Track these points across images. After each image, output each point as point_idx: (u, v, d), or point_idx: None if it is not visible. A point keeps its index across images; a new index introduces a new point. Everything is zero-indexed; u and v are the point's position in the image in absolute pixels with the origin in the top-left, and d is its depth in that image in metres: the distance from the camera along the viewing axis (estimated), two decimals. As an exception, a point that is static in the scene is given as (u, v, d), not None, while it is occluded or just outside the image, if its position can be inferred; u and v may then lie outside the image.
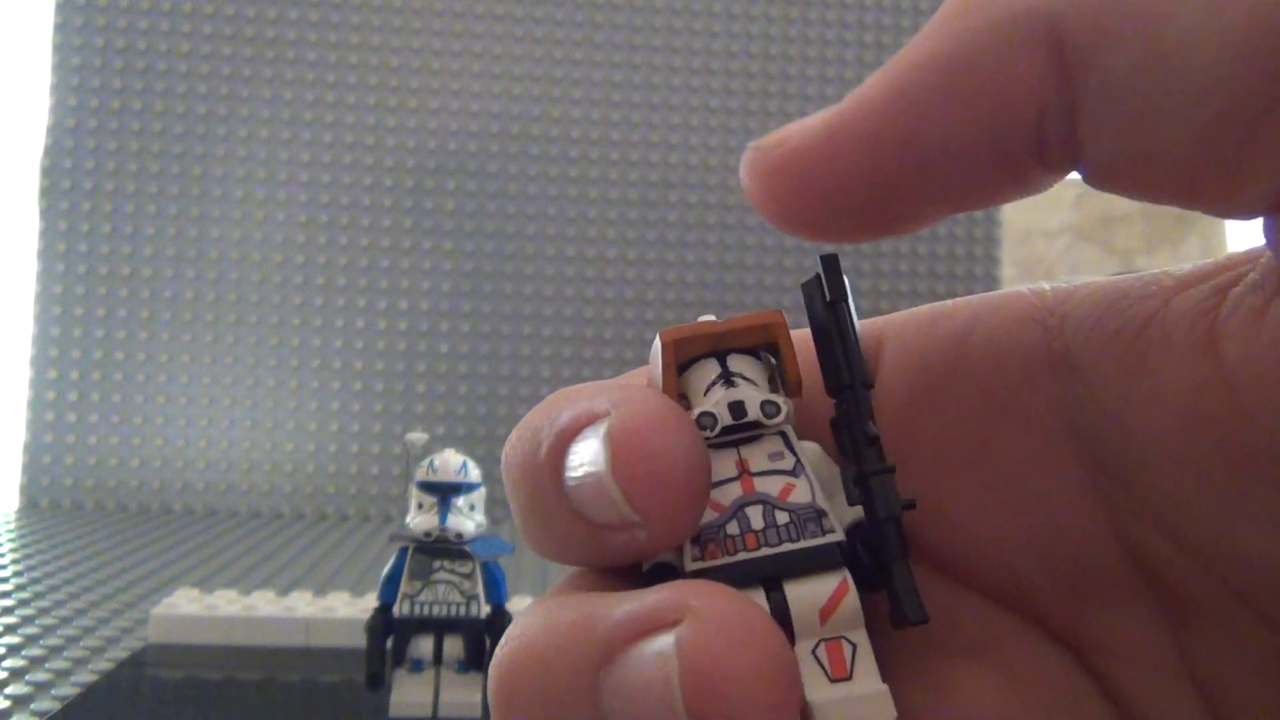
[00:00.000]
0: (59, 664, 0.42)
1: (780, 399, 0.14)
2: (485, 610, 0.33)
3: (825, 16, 0.97)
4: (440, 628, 0.33)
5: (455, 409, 0.89)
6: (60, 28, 0.87)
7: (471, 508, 0.33)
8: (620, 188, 0.93)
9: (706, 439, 0.14)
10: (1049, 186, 0.14)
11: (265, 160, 0.89)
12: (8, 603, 0.51)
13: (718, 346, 0.15)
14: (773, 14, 0.96)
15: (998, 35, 0.12)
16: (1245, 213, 0.12)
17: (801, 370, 0.15)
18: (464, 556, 0.33)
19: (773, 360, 0.15)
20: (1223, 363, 0.12)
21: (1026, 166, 0.13)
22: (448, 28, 0.92)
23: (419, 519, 0.33)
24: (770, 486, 0.14)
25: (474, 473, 0.34)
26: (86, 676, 0.40)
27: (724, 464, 0.14)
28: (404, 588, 0.33)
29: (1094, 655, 0.14)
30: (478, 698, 0.33)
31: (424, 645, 0.33)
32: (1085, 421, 0.14)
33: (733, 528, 0.14)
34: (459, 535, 0.33)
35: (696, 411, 0.14)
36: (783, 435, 0.14)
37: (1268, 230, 0.12)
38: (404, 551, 0.33)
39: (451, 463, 0.33)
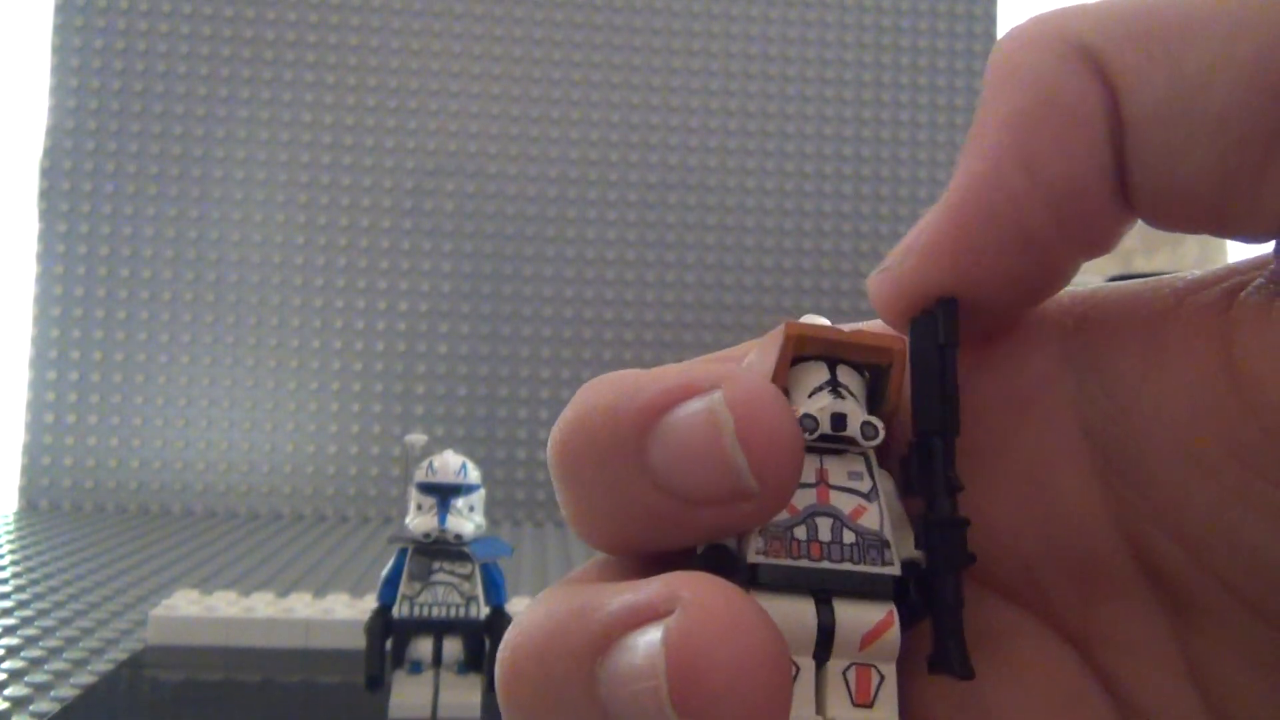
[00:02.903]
0: (58, 665, 0.42)
1: (879, 423, 0.14)
2: (484, 612, 0.33)
3: (825, 18, 0.97)
4: (439, 629, 0.33)
5: (455, 409, 0.89)
6: (60, 28, 0.87)
7: (471, 509, 0.33)
8: (620, 189, 0.93)
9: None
10: (1133, 226, 0.14)
11: (265, 160, 0.89)
12: (7, 604, 0.51)
13: (832, 353, 0.15)
14: (772, 15, 0.96)
15: (1062, 71, 0.13)
16: (1267, 237, 0.13)
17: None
18: (463, 558, 0.33)
19: (868, 377, 0.15)
20: (1230, 359, 0.13)
21: (1121, 199, 0.13)
22: (448, 28, 0.92)
23: (418, 520, 0.33)
24: (844, 503, 0.14)
25: (473, 474, 0.34)
26: (86, 678, 0.40)
27: (806, 469, 0.14)
28: (403, 589, 0.33)
29: (1097, 650, 0.14)
30: (477, 699, 0.33)
31: (423, 647, 0.33)
32: (1098, 417, 0.14)
33: (801, 532, 0.14)
34: (458, 537, 0.33)
35: (800, 412, 0.14)
36: (866, 457, 0.15)
37: (1278, 253, 0.13)
38: (403, 553, 0.33)
39: (451, 464, 0.33)
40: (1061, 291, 0.15)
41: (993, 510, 0.15)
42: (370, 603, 0.34)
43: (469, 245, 0.91)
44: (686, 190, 0.94)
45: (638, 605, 0.12)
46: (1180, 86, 0.12)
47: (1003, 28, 0.99)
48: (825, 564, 0.14)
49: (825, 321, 0.15)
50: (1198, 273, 0.14)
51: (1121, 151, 0.13)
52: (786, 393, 0.15)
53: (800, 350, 0.15)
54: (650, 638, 0.12)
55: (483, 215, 0.91)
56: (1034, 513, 0.15)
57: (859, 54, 0.97)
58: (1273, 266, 0.13)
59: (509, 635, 0.14)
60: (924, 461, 0.14)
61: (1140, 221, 0.14)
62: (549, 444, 0.14)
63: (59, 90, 0.87)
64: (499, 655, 0.14)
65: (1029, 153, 0.13)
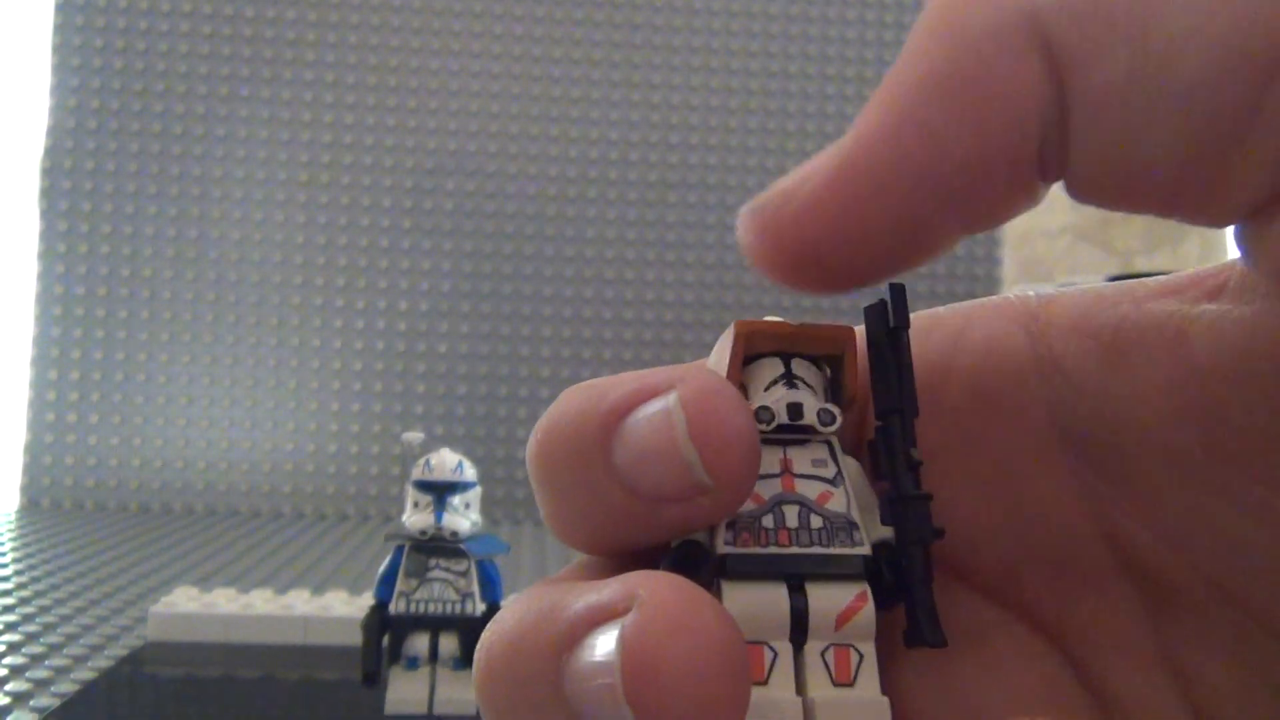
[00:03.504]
0: (59, 661, 0.42)
1: (836, 410, 0.15)
2: (480, 608, 0.33)
3: (826, 14, 0.97)
4: (436, 625, 0.33)
5: (455, 409, 0.90)
6: (60, 28, 0.87)
7: (467, 506, 0.34)
8: (620, 188, 0.93)
9: (760, 432, 0.14)
10: (1043, 199, 0.14)
11: (265, 160, 0.89)
12: (8, 601, 0.51)
13: (785, 347, 0.15)
14: (772, 11, 0.96)
15: (993, 44, 0.12)
16: (1222, 219, 0.13)
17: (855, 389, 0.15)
18: (459, 555, 0.33)
19: (828, 371, 0.15)
20: (1193, 359, 0.13)
21: (1033, 179, 0.13)
22: (448, 27, 0.92)
23: (415, 517, 0.33)
24: (809, 490, 0.14)
25: (469, 472, 0.34)
26: (86, 674, 0.41)
27: (769, 460, 0.14)
28: (400, 586, 0.33)
29: (1075, 644, 0.15)
30: (473, 695, 0.33)
31: (420, 643, 0.33)
32: (1070, 418, 0.14)
33: (768, 521, 0.14)
34: (454, 534, 0.33)
35: (755, 405, 0.14)
36: (829, 444, 0.15)
37: (1239, 236, 0.13)
38: (400, 550, 0.34)
39: (447, 462, 0.34)
40: (1029, 294, 0.15)
41: (969, 509, 0.15)
42: (368, 600, 0.34)
43: (469, 245, 0.91)
44: (686, 190, 0.94)
45: (598, 605, 0.12)
46: (1144, 61, 0.12)
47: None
48: (794, 549, 0.14)
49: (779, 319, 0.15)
50: (1162, 277, 0.14)
51: (1059, 132, 0.12)
52: (745, 390, 0.15)
53: (752, 347, 0.15)
54: (608, 636, 0.12)
55: (483, 215, 0.91)
56: (1010, 511, 0.15)
57: (860, 51, 0.97)
58: (1228, 267, 0.13)
59: (485, 633, 0.14)
60: (886, 441, 0.15)
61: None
62: (527, 450, 0.15)
63: (59, 90, 0.87)
64: (475, 653, 0.14)
65: (938, 124, 0.12)
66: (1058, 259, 1.56)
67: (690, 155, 0.94)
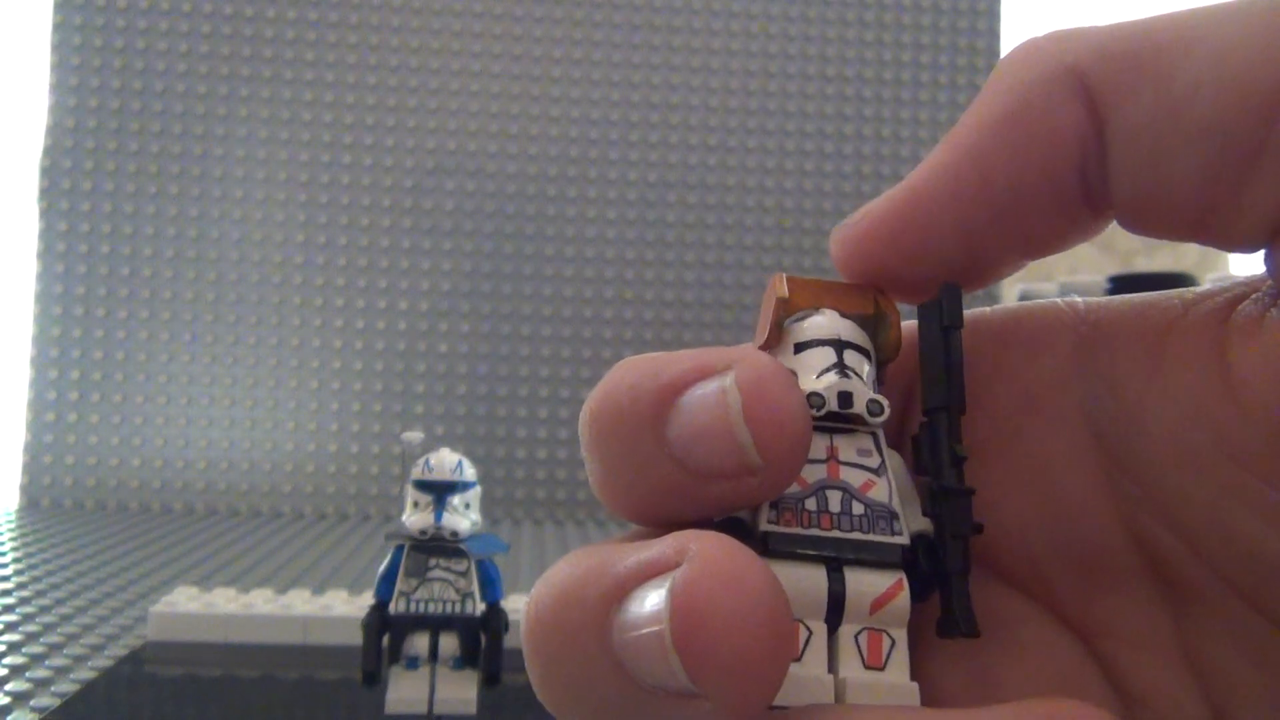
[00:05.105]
0: (59, 661, 0.42)
1: (884, 401, 0.15)
2: (480, 608, 0.33)
3: (826, 15, 0.97)
4: (436, 625, 0.33)
5: (455, 409, 0.90)
6: (59, 27, 0.87)
7: (467, 506, 0.34)
8: (620, 188, 0.93)
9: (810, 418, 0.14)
10: (1100, 231, 0.15)
11: (265, 160, 0.89)
12: (9, 600, 0.51)
13: (820, 299, 0.16)
14: (773, 12, 0.96)
15: (1041, 90, 0.14)
16: (1249, 245, 0.14)
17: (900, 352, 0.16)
18: (459, 554, 0.33)
19: (873, 361, 0.16)
20: (1226, 366, 0.14)
21: (1079, 209, 0.15)
22: (448, 26, 0.92)
23: (414, 517, 0.33)
24: (853, 478, 0.15)
25: (469, 471, 0.34)
26: (86, 673, 0.41)
27: (816, 446, 0.15)
28: (400, 585, 0.33)
29: (1099, 639, 0.15)
30: (473, 694, 0.33)
31: (420, 642, 0.33)
32: (1105, 420, 0.15)
33: (811, 504, 0.14)
34: (454, 533, 0.33)
35: (807, 391, 0.15)
36: (874, 436, 0.15)
37: (1268, 259, 0.14)
38: (400, 549, 0.34)
39: (447, 461, 0.34)
40: (1077, 299, 0.16)
41: (1003, 504, 0.16)
42: (368, 600, 0.34)
43: (469, 245, 0.91)
44: (686, 190, 0.94)
45: (649, 560, 0.13)
46: (1168, 100, 0.13)
47: (1007, 34, 1.00)
48: (835, 533, 0.14)
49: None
50: (1208, 285, 0.15)
51: (1100, 166, 0.14)
52: (794, 374, 0.15)
53: (793, 302, 0.16)
54: (659, 589, 0.12)
55: (483, 214, 0.91)
56: (1042, 508, 0.15)
57: (860, 51, 0.97)
58: (1269, 282, 0.14)
59: (536, 587, 0.14)
60: (932, 436, 0.15)
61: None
62: (580, 418, 0.15)
63: (59, 90, 0.87)
64: (525, 605, 0.14)
65: (986, 156, 0.14)
66: (1057, 258, 1.56)
67: (690, 155, 0.94)
